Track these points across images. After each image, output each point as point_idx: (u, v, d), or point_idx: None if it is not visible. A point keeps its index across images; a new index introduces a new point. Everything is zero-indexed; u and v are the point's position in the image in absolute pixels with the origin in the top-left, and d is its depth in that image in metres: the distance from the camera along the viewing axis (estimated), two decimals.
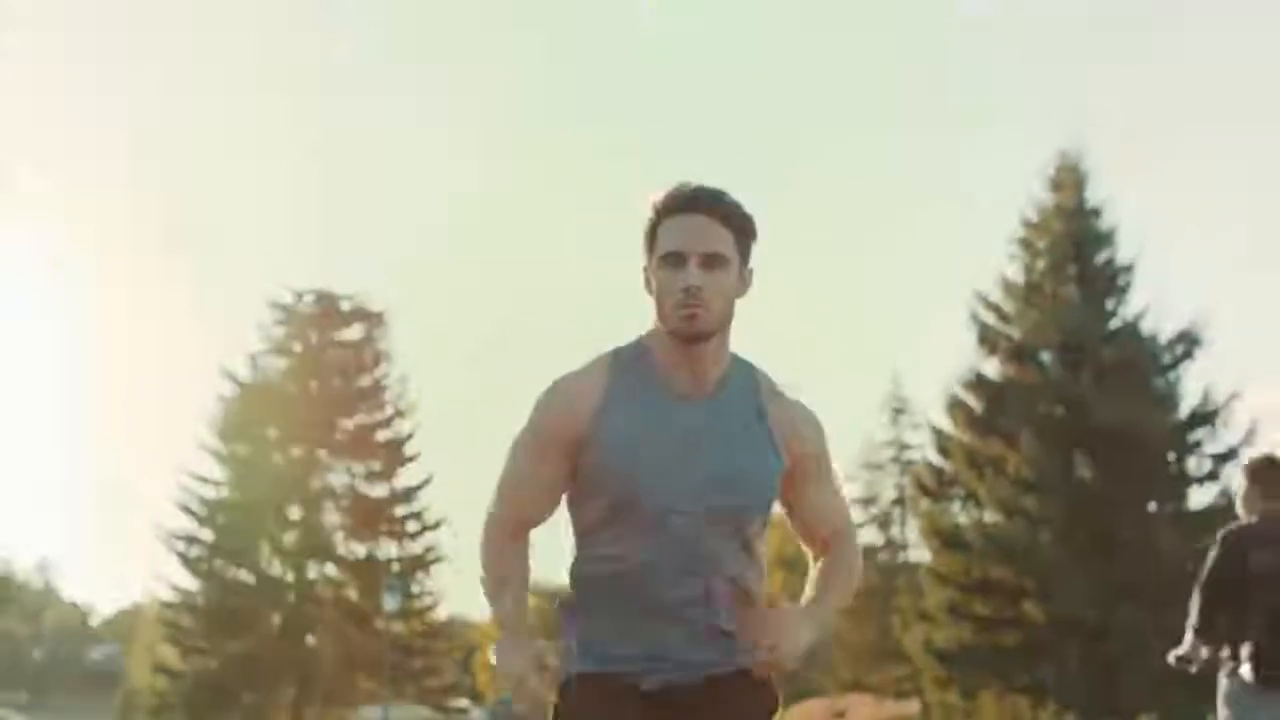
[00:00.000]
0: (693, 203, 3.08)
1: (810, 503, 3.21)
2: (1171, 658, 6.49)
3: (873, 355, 66.20)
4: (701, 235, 3.06)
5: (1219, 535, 6.39)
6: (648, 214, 3.14)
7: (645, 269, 3.15)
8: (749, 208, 3.17)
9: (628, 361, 3.14)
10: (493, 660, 3.04)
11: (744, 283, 3.13)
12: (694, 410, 3.09)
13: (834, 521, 3.25)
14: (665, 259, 3.07)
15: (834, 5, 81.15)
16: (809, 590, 3.22)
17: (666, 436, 3.06)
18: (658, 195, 3.15)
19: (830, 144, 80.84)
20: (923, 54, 75.19)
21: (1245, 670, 6.18)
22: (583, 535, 3.16)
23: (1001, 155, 68.13)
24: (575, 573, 3.19)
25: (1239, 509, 6.50)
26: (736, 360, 3.18)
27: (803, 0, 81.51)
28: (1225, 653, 6.27)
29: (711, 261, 3.05)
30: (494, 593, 3.17)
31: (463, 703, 42.47)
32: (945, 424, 31.89)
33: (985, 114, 73.78)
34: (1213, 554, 6.33)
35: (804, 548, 3.33)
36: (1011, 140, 67.52)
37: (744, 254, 3.12)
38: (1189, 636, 6.39)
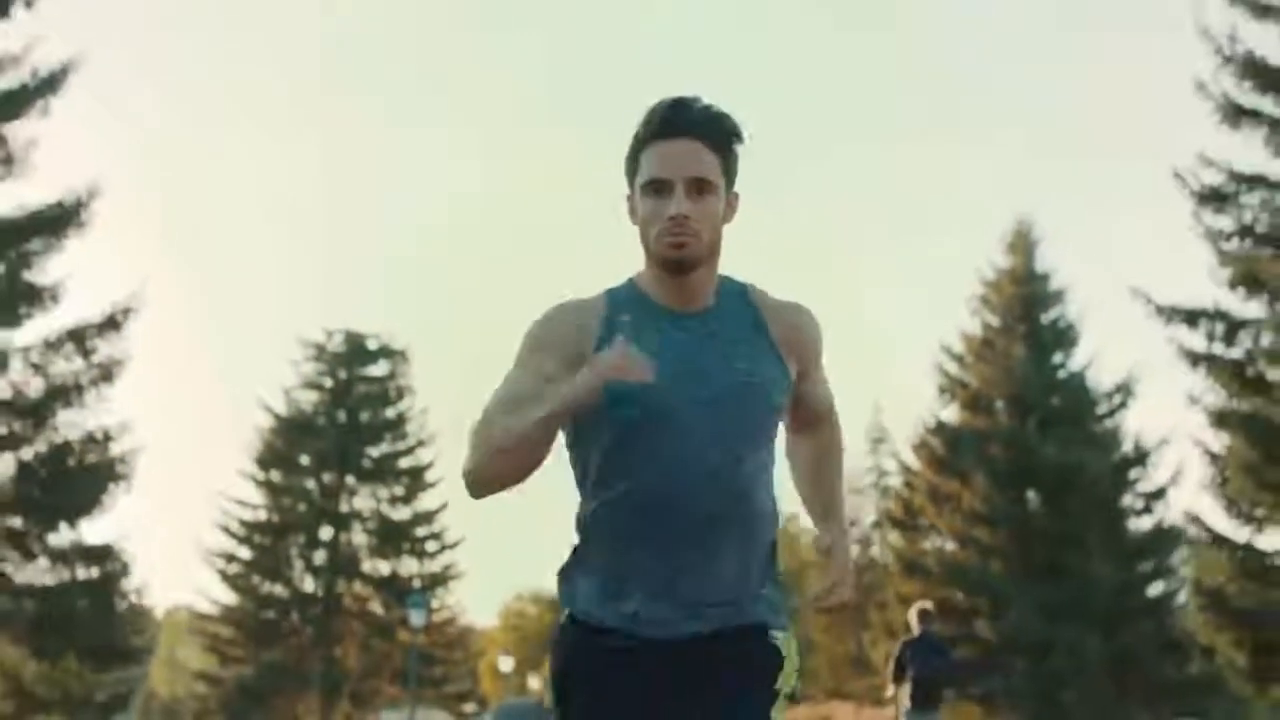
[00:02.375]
0: (676, 126, 3.04)
1: (805, 393, 3.26)
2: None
3: (857, 385, 71.88)
4: (687, 161, 3.02)
5: (901, 640, 13.52)
6: (630, 139, 3.09)
7: (629, 197, 3.12)
8: (736, 117, 3.11)
9: (621, 290, 3.16)
10: (561, 404, 2.91)
11: (731, 208, 3.12)
12: (693, 322, 3.10)
13: (821, 406, 3.34)
14: (649, 186, 3.03)
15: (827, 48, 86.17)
16: (808, 467, 3.38)
17: (672, 349, 3.05)
18: (640, 119, 3.09)
19: (834, 156, 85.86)
20: (928, 66, 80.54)
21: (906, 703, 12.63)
22: (590, 473, 3.12)
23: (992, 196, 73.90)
24: (584, 518, 3.13)
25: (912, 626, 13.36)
26: (724, 278, 3.19)
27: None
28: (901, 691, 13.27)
29: (698, 188, 3.02)
30: (524, 414, 2.95)
31: (470, 707, 47.92)
32: (913, 462, 37.58)
33: (981, 148, 79.33)
34: (895, 651, 12.83)
35: (785, 424, 3.31)
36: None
37: (730, 177, 3.09)
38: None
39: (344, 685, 41.85)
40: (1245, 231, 20.42)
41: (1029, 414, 35.86)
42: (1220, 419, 21.27)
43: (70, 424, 21.91)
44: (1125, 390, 36.15)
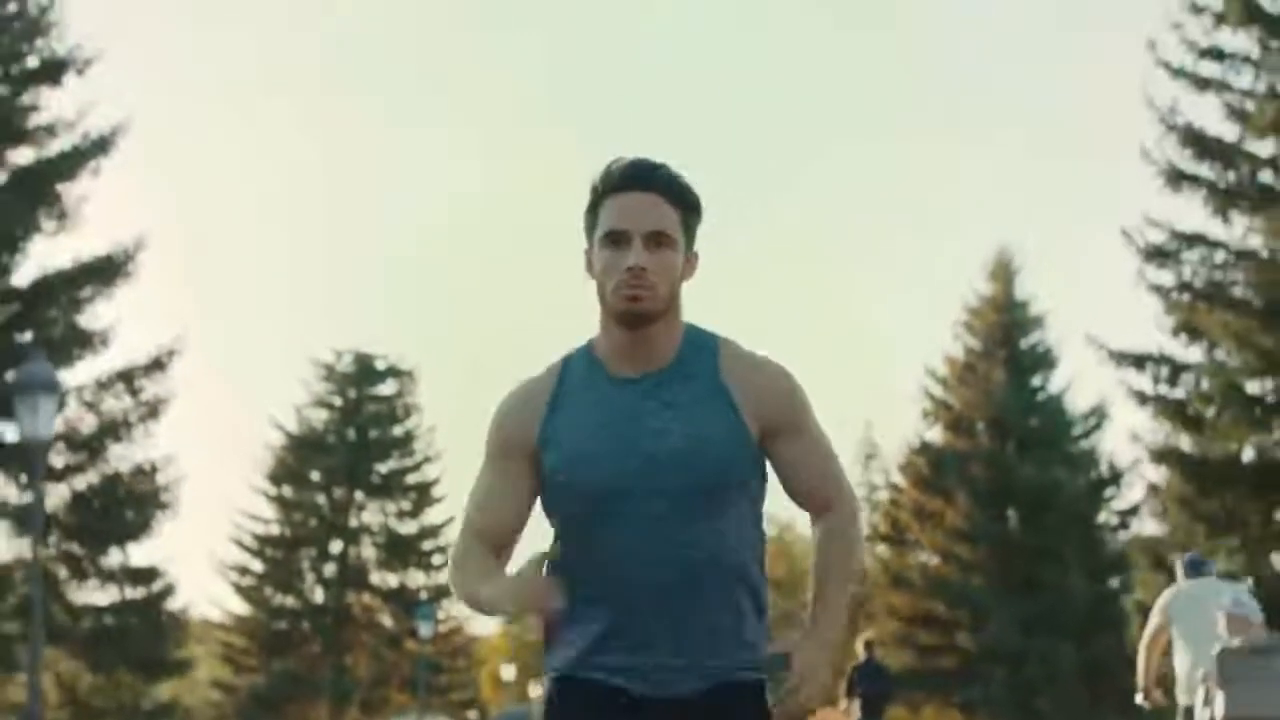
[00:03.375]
0: (636, 179, 3.05)
1: (788, 463, 3.15)
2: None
3: (854, 394, 74.40)
4: (645, 213, 3.03)
5: (851, 665, 15.91)
6: (588, 192, 3.11)
7: (587, 251, 3.12)
8: (693, 185, 3.13)
9: (578, 358, 3.15)
10: (487, 604, 2.98)
11: (690, 266, 3.12)
12: (642, 387, 3.08)
13: (821, 488, 3.18)
14: (607, 238, 3.04)
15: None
16: (812, 589, 3.18)
17: (616, 423, 3.06)
18: (597, 172, 3.10)
19: (833, 156, 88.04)
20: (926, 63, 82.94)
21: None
22: (557, 533, 3.14)
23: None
24: (554, 564, 3.10)
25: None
26: (692, 330, 3.16)
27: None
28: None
29: (656, 241, 3.02)
30: (473, 589, 3.05)
31: (473, 714, 50.57)
32: (899, 480, 40.34)
33: (976, 160, 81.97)
34: (848, 673, 15.55)
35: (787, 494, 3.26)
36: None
37: (690, 235, 3.11)
38: None
39: (353, 693, 44.23)
40: (1185, 286, 23.10)
41: (1008, 436, 38.57)
42: (1160, 455, 23.97)
43: (120, 457, 24.64)
44: (1100, 413, 38.87)
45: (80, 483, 24.38)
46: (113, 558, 24.87)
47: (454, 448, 54.02)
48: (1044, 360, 39.49)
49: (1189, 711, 9.17)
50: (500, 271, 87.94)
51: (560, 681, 3.16)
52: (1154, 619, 9.57)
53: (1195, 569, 9.68)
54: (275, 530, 45.18)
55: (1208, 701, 8.81)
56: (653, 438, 3.05)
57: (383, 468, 46.00)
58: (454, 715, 46.75)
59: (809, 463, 3.17)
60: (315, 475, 45.55)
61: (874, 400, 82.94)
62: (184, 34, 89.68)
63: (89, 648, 24.21)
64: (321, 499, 45.54)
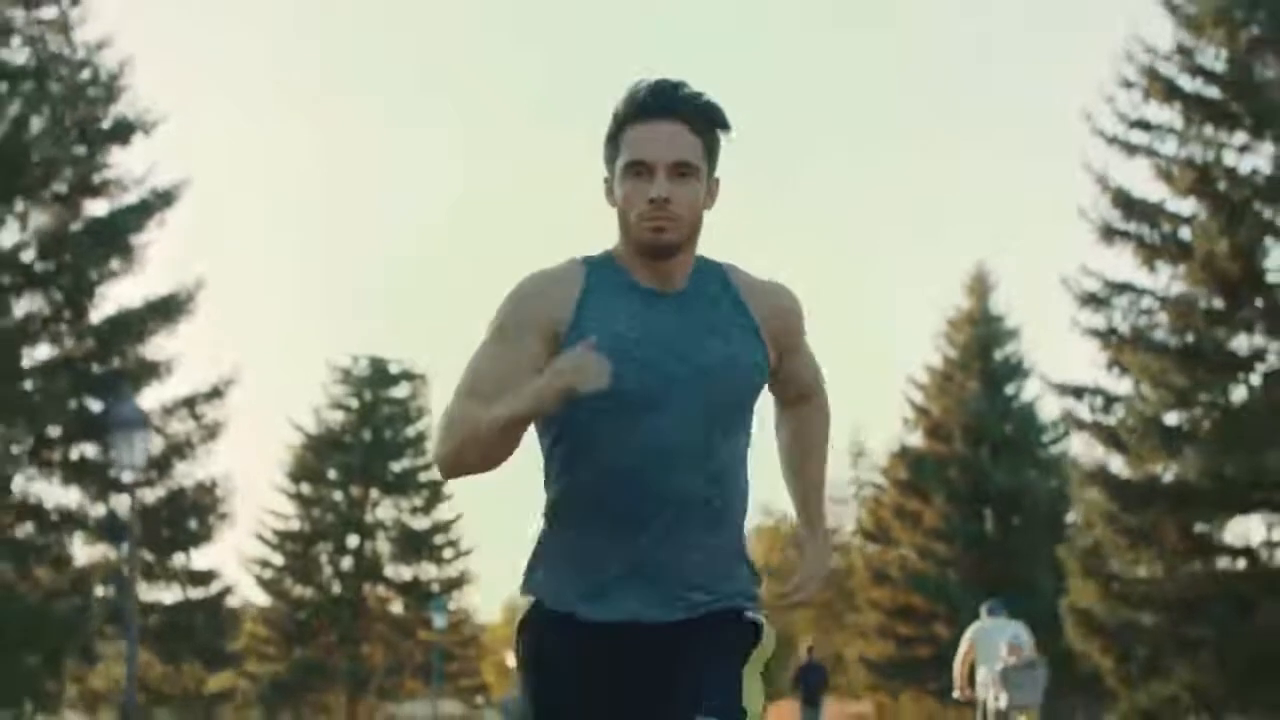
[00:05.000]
0: (659, 107, 3.12)
1: (791, 374, 3.38)
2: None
3: (838, 402, 78.31)
4: (669, 143, 3.10)
5: (797, 665, 20.72)
6: (610, 119, 3.18)
7: (607, 180, 3.20)
8: (720, 103, 3.18)
9: (599, 261, 3.22)
10: (506, 414, 2.96)
11: (712, 194, 3.20)
12: (671, 301, 3.18)
13: (807, 385, 3.46)
14: (629, 169, 3.11)
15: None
16: (790, 451, 3.49)
17: (649, 328, 3.14)
18: (618, 97, 3.16)
19: (834, 159, 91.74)
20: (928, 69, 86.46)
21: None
22: (559, 444, 3.20)
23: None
24: (552, 503, 3.22)
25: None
26: (700, 258, 3.27)
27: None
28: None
29: (679, 171, 3.10)
30: (480, 413, 3.02)
31: (479, 699, 54.90)
32: (882, 482, 44.95)
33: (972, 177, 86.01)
34: (793, 672, 20.85)
35: (771, 394, 3.43)
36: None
37: (712, 162, 3.18)
38: None
39: (369, 680, 48.18)
40: (1112, 332, 27.51)
41: (982, 442, 43.01)
42: (1090, 476, 28.48)
43: (185, 474, 29.22)
44: (1070, 420, 43.31)
45: (150, 496, 28.84)
46: (177, 561, 29.45)
47: None
48: (1016, 371, 43.94)
49: (984, 704, 14.26)
50: (504, 274, 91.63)
51: (543, 612, 3.22)
52: (964, 644, 15.03)
53: (992, 612, 15.30)
54: (295, 526, 48.93)
55: (996, 698, 14.01)
56: (695, 349, 3.15)
57: (396, 466, 49.78)
58: (463, 700, 51.21)
59: (805, 372, 3.43)
60: (333, 473, 49.32)
61: (865, 403, 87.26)
62: (195, 36, 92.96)
63: (158, 641, 28.77)
64: (339, 496, 49.36)
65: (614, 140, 3.17)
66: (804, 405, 3.49)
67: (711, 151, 3.18)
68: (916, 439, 44.47)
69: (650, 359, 3.12)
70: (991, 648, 14.97)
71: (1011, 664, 14.63)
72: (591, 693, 3.20)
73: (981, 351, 43.72)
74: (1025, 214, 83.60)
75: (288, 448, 49.83)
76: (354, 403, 50.45)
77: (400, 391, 50.81)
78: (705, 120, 3.16)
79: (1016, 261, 77.39)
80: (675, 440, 3.13)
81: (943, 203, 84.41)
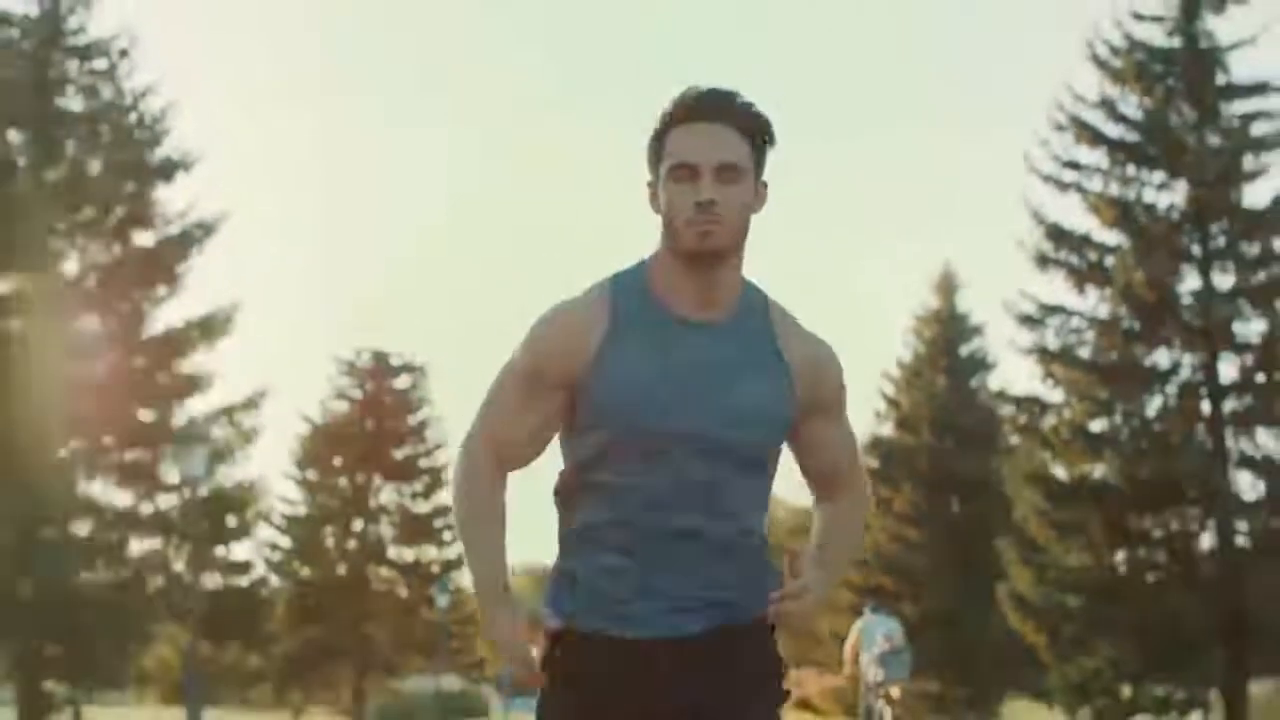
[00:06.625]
0: (706, 109, 3.16)
1: (819, 442, 3.36)
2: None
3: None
4: (716, 145, 3.13)
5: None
6: (655, 122, 3.19)
7: (651, 184, 3.22)
8: (766, 113, 3.21)
9: (629, 287, 3.24)
10: (485, 632, 3.19)
11: (759, 198, 3.22)
12: (704, 336, 3.20)
13: (841, 462, 3.42)
14: (675, 171, 3.14)
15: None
16: (816, 542, 3.41)
17: (674, 367, 3.16)
18: (666, 102, 3.19)
19: (829, 151, 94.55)
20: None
21: None
22: (577, 479, 3.29)
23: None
24: (571, 518, 3.31)
25: None
26: (749, 285, 3.28)
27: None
28: None
29: (727, 173, 3.13)
30: (470, 535, 3.24)
31: (473, 675, 59.18)
32: None
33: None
34: None
35: (806, 484, 3.47)
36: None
37: (759, 165, 3.21)
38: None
39: (374, 658, 52.09)
40: (1044, 350, 32.42)
41: (948, 432, 47.94)
42: (1026, 477, 33.51)
43: (225, 475, 34.13)
44: (1011, 424, 48.26)
45: (193, 495, 33.75)
46: (218, 553, 34.44)
47: (461, 436, 62.14)
48: (981, 365, 48.91)
49: (865, 679, 19.38)
50: (501, 269, 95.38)
51: (568, 634, 3.27)
52: (851, 634, 20.10)
53: (875, 610, 20.25)
54: (302, 510, 52.89)
55: (875, 676, 19.13)
56: (721, 390, 3.17)
57: (398, 454, 53.28)
58: (464, 675, 55.79)
59: (842, 445, 3.42)
60: (338, 461, 52.95)
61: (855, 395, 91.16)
62: (199, 38, 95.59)
63: (202, 624, 33.73)
64: (344, 482, 52.93)
65: (659, 143, 3.20)
66: (837, 491, 3.45)
67: (759, 156, 3.21)
68: (888, 429, 49.42)
69: (670, 402, 3.16)
70: (871, 638, 19.93)
71: (886, 650, 19.61)
72: (618, 712, 3.24)
73: (947, 347, 48.64)
74: (994, 216, 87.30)
75: (295, 436, 54.07)
76: (358, 394, 54.14)
77: (401, 383, 54.53)
78: (752, 123, 3.20)
79: (983, 262, 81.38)
80: (692, 483, 3.18)
81: (917, 203, 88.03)
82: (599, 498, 3.26)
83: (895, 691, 19.71)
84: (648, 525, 3.21)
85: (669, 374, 3.18)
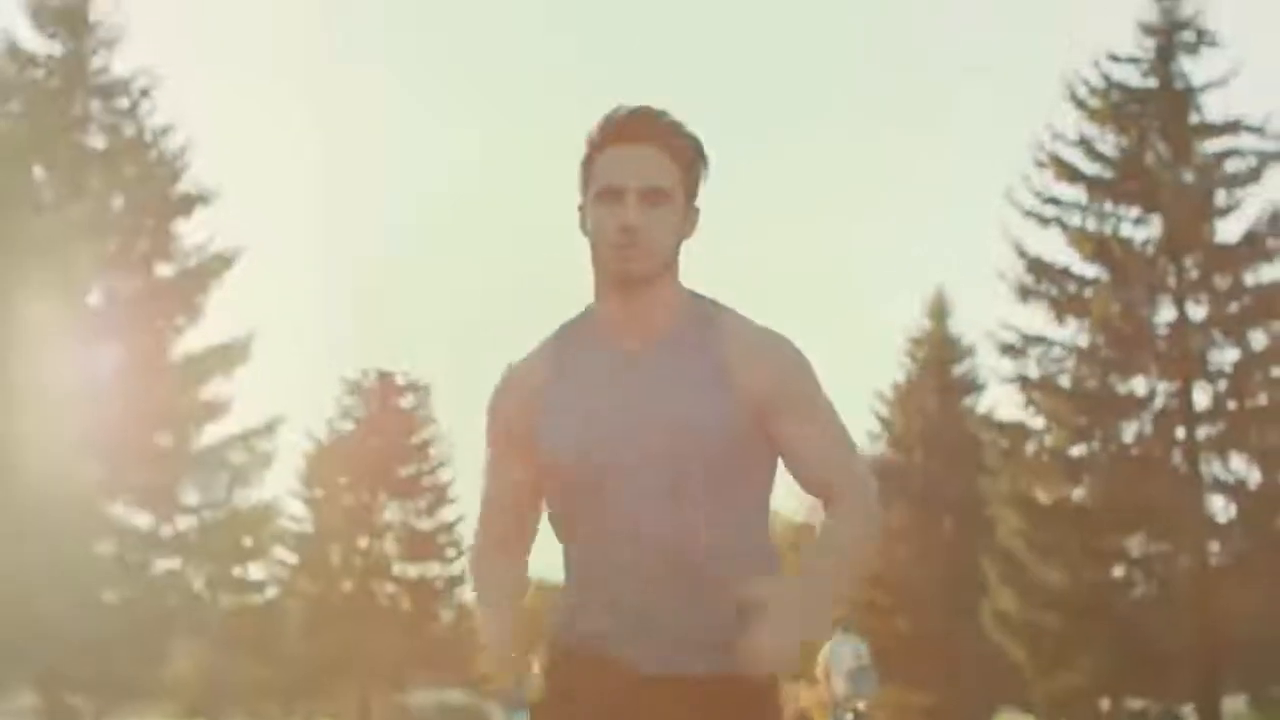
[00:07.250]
0: (632, 131, 3.12)
1: (789, 446, 3.22)
2: None
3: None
4: (641, 168, 3.10)
5: None
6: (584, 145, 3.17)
7: (581, 207, 3.20)
8: (696, 134, 3.16)
9: (574, 333, 3.27)
10: (490, 652, 3.22)
11: (690, 223, 3.19)
12: (638, 363, 3.19)
13: (823, 473, 3.24)
14: (601, 195, 3.11)
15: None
16: (802, 559, 3.21)
17: (607, 397, 3.18)
18: (594, 124, 3.15)
19: (825, 147, 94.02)
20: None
21: None
22: (551, 515, 3.33)
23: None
24: (564, 560, 3.33)
25: None
26: (692, 299, 3.24)
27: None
28: None
29: (652, 197, 3.09)
30: (482, 599, 3.32)
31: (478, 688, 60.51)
32: None
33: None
34: None
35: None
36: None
37: (690, 189, 3.17)
38: None
39: (379, 672, 53.04)
40: (1025, 379, 34.32)
41: (939, 453, 49.77)
42: (1007, 499, 35.38)
43: (242, 498, 36.04)
44: (994, 450, 50.08)
45: (211, 517, 35.63)
46: (235, 573, 36.31)
47: (464, 453, 63.31)
48: (971, 386, 50.76)
49: (838, 699, 21.22)
50: (496, 259, 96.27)
51: (562, 652, 3.28)
52: (822, 656, 21.63)
53: (843, 633, 21.73)
54: (308, 528, 54.25)
55: (844, 690, 20.96)
56: (656, 414, 3.14)
57: (402, 471, 54.76)
58: (467, 691, 57.21)
59: (813, 446, 3.24)
60: (343, 479, 54.47)
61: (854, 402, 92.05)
62: (216, 80, 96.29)
63: (220, 641, 35.64)
64: (349, 499, 54.34)
65: (587, 165, 3.18)
66: (830, 504, 3.29)
67: (690, 179, 3.18)
68: (881, 448, 51.27)
69: (610, 435, 3.17)
70: (839, 657, 21.51)
71: (853, 668, 21.52)
72: None
73: (939, 369, 50.50)
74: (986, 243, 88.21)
75: (301, 455, 55.51)
76: (363, 412, 55.72)
77: (406, 402, 56.03)
78: (682, 145, 3.17)
79: (974, 288, 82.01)
80: (644, 514, 3.15)
81: (910, 228, 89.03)
82: (566, 537, 3.32)
83: (862, 705, 21.63)
84: (609, 564, 3.22)
85: (606, 408, 3.20)
